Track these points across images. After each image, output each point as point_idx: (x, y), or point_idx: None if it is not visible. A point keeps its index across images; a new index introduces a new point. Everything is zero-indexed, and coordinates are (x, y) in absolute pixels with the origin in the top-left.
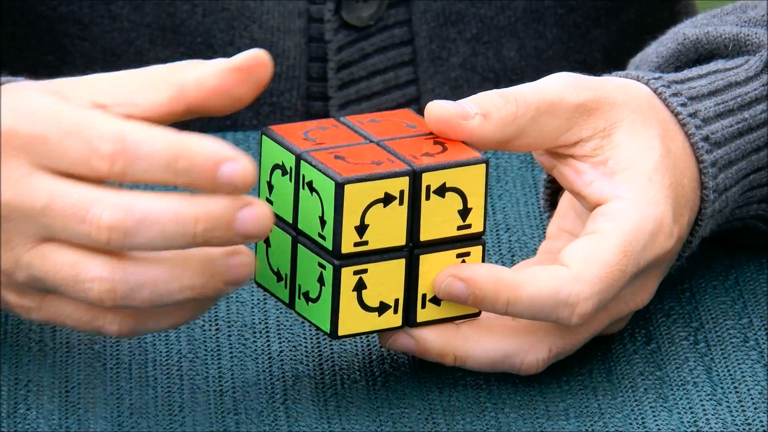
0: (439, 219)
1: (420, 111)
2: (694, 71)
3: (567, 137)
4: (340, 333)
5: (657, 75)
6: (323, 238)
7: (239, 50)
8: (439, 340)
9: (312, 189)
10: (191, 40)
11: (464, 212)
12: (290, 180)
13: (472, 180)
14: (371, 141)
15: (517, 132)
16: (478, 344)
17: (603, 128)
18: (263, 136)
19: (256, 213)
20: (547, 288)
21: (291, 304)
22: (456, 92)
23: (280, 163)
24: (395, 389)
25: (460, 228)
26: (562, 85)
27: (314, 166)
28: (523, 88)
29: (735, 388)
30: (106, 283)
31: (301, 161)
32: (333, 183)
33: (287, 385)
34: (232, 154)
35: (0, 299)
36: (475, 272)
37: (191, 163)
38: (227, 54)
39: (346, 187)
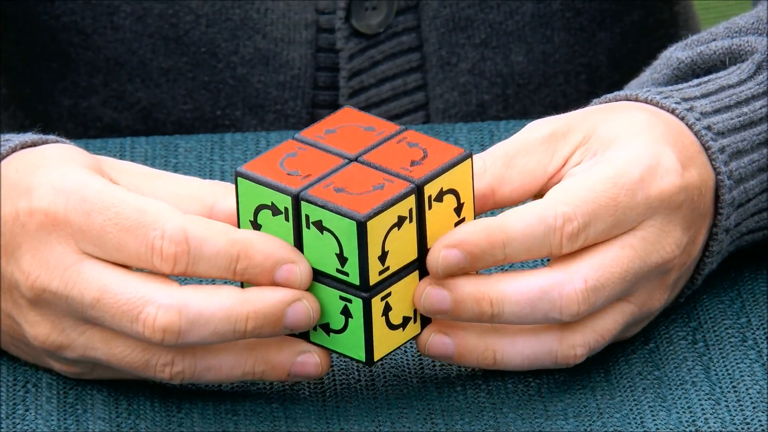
0: (439, 223)
1: (428, 117)
2: (685, 84)
3: (554, 164)
4: (376, 358)
5: (645, 90)
6: (345, 274)
7: (243, 60)
8: (472, 286)
9: (322, 228)
10: (195, 50)
11: (458, 209)
12: (287, 220)
13: (462, 177)
14: (350, 159)
15: (497, 180)
16: (512, 283)
17: (582, 137)
18: (239, 179)
19: (304, 309)
20: (533, 218)
21: (304, 336)
22: (464, 98)
23: (269, 204)
24: (394, 389)
25: (456, 224)
26: (528, 128)
27: (322, 206)
28: (493, 147)
29: (733, 387)
30: (176, 366)
31: (302, 201)
32: (354, 222)
33: (286, 386)
34: (291, 256)
35: (44, 363)
36: (463, 232)
37: (251, 264)
38: (230, 64)
39: (368, 223)
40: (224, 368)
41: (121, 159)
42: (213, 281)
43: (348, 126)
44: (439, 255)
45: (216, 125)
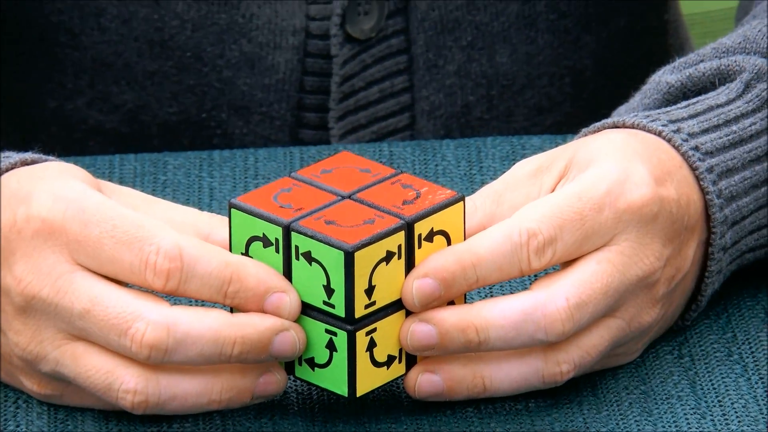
0: None
1: (413, 118)
2: (673, 106)
3: (541, 196)
4: (358, 394)
5: (632, 115)
6: (331, 306)
7: (228, 63)
8: (456, 317)
9: (310, 259)
10: (180, 54)
11: None
12: (277, 251)
13: (453, 219)
14: (343, 196)
15: (488, 217)
16: (495, 309)
17: (564, 165)
18: (232, 210)
19: (291, 339)
20: (499, 236)
21: (290, 370)
22: (449, 99)
23: (260, 235)
24: (383, 405)
25: None
26: (515, 166)
27: (311, 237)
28: (483, 187)
29: (719, 401)
30: (140, 395)
31: (292, 232)
32: (341, 252)
33: (275, 401)
34: (283, 285)
35: (16, 380)
36: (432, 260)
37: (242, 287)
38: (216, 67)
39: (356, 254)
40: (189, 397)
41: (110, 175)
42: (203, 304)
43: (344, 167)
44: (412, 286)
45: (202, 127)
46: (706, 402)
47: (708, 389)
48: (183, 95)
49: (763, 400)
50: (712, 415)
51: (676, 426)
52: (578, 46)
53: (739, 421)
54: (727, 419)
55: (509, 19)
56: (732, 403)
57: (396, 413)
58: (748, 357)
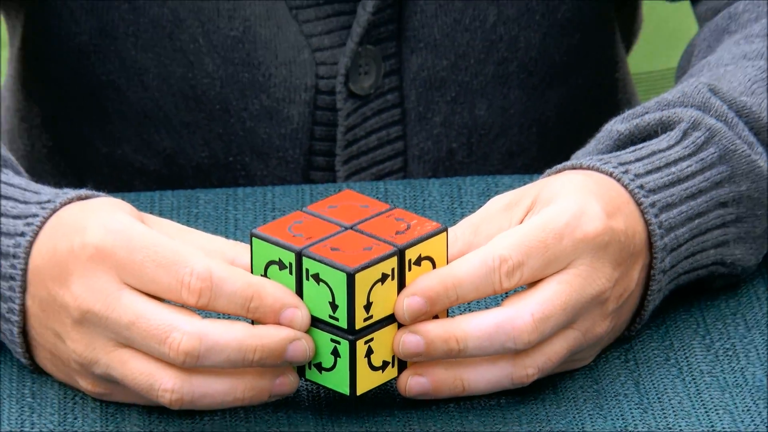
0: None
1: (406, 162)
2: (623, 151)
3: (511, 227)
4: (358, 393)
5: (588, 158)
6: (336, 319)
7: (251, 115)
8: (440, 329)
9: (318, 280)
10: (210, 106)
11: None
12: (290, 273)
13: (437, 246)
14: (346, 227)
15: (467, 245)
16: (472, 322)
17: (531, 201)
18: (254, 238)
19: (302, 347)
20: (476, 261)
21: (301, 373)
22: (436, 146)
23: (276, 260)
24: (380, 401)
25: None
26: (491, 201)
27: (319, 261)
28: (463, 220)
29: (659, 398)
30: (176, 394)
31: (303, 257)
32: (344, 274)
33: (289, 399)
34: (295, 302)
35: (73, 381)
36: (420, 282)
37: (262, 304)
38: (240, 118)
39: (357, 275)
40: (218, 395)
41: (151, 209)
42: (229, 317)
43: (347, 203)
44: (403, 303)
45: (228, 169)
46: (648, 399)
47: (650, 388)
48: (213, 142)
49: (695, 397)
50: (653, 410)
51: (622, 419)
52: (543, 101)
53: (675, 415)
54: (665, 413)
55: (486, 78)
56: (669, 400)
57: (390, 409)
58: (683, 361)
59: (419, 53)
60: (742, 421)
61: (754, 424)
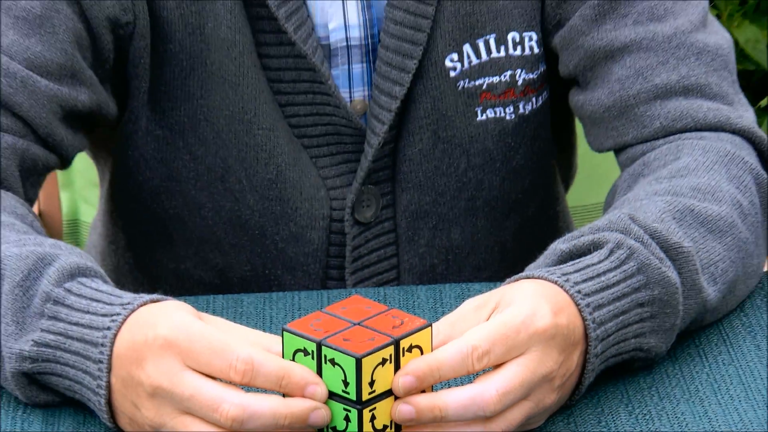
0: None
1: (399, 273)
2: (565, 264)
3: (480, 323)
4: None
5: (538, 270)
6: (347, 393)
7: (282, 239)
8: (426, 400)
9: (334, 363)
10: (251, 232)
11: None
12: (312, 358)
13: (424, 338)
14: (354, 324)
15: (446, 337)
16: (451, 396)
17: (495, 304)
18: (284, 332)
19: (321, 414)
20: (454, 350)
21: None
22: (421, 261)
23: (302, 348)
24: None
25: None
26: (464, 303)
27: (335, 349)
28: (443, 317)
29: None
30: None
31: (322, 346)
32: (354, 359)
33: None
34: (316, 379)
35: None
36: (412, 364)
37: (290, 381)
38: (274, 241)
39: (363, 360)
40: None
41: (206, 309)
42: (266, 391)
43: (355, 306)
44: (399, 381)
45: (265, 279)
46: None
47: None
48: (253, 259)
49: None
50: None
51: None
52: (503, 228)
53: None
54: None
55: (459, 211)
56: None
57: None
58: (611, 424)
59: (408, 192)
60: None
61: None
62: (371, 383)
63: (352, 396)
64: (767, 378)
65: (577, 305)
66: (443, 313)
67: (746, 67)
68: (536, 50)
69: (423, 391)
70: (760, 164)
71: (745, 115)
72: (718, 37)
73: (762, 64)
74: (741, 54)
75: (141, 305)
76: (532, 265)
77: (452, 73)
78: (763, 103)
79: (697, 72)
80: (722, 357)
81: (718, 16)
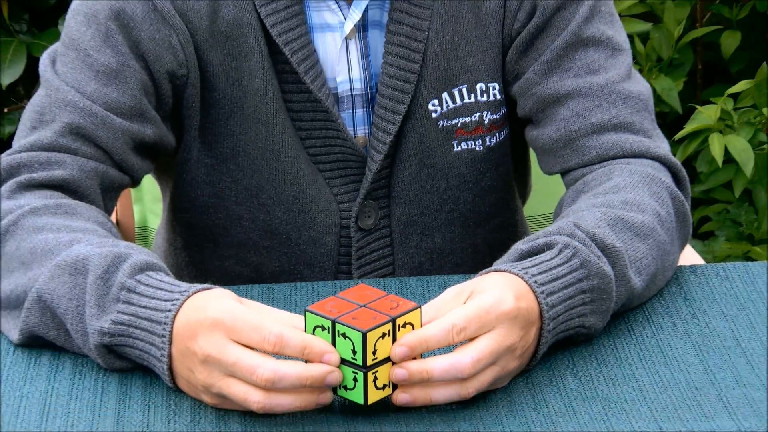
0: None
1: (394, 269)
2: (524, 261)
3: (460, 305)
4: (369, 403)
5: (503, 265)
6: (355, 360)
7: (304, 242)
8: (416, 365)
9: (345, 336)
10: (279, 238)
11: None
12: (328, 333)
13: (415, 317)
14: (361, 306)
15: (432, 318)
16: (436, 362)
17: (471, 291)
18: (306, 312)
19: (336, 376)
20: (439, 327)
21: (334, 391)
22: (411, 259)
23: (320, 325)
24: (381, 408)
25: None
26: (446, 290)
27: (345, 325)
28: (430, 302)
29: (546, 402)
30: (260, 404)
31: (336, 323)
32: (360, 333)
33: (326, 407)
34: (331, 349)
35: (199, 396)
36: (406, 338)
37: (311, 351)
38: (299, 244)
39: (368, 333)
40: (286, 405)
41: (245, 295)
42: (292, 358)
43: (361, 293)
44: (395, 350)
45: (290, 274)
46: (541, 403)
47: (539, 398)
48: (281, 258)
49: (568, 405)
50: (546, 409)
51: (522, 415)
52: (475, 235)
53: (556, 412)
54: (549, 411)
55: (440, 221)
56: (555, 403)
57: (386, 412)
58: (559, 381)
59: (400, 206)
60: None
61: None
62: (374, 352)
63: (359, 362)
64: (680, 347)
65: (534, 292)
66: (429, 299)
67: (662, 109)
68: (498, 97)
69: (414, 358)
70: (673, 183)
71: (662, 146)
72: (640, 86)
73: (674, 107)
74: (658, 99)
75: (195, 293)
76: (498, 261)
77: (434, 115)
78: (676, 137)
79: (624, 113)
80: (646, 332)
81: (640, 70)
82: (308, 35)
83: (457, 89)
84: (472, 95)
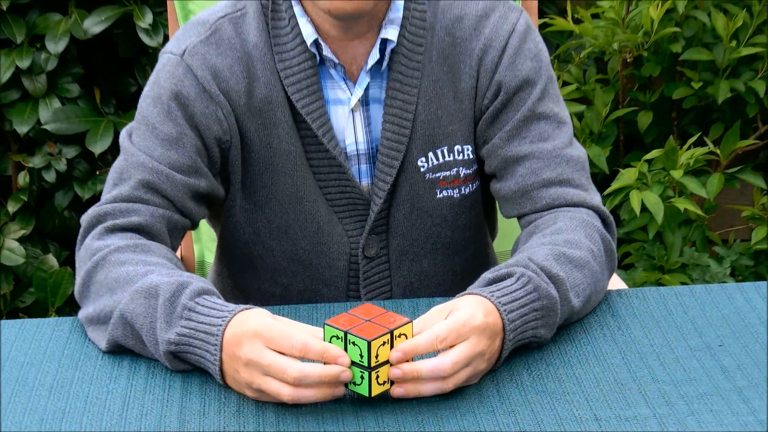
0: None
1: (391, 291)
2: (491, 286)
3: (442, 320)
4: (372, 395)
5: (475, 290)
6: (362, 362)
7: (322, 268)
8: (409, 367)
9: (354, 344)
10: (303, 265)
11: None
12: (341, 341)
13: (408, 329)
14: (367, 320)
15: (420, 330)
16: (424, 365)
17: (450, 309)
18: (325, 325)
19: (347, 375)
20: (426, 338)
21: (345, 386)
22: (404, 280)
23: (336, 335)
24: (382, 400)
25: None
26: (432, 309)
27: (354, 335)
28: (419, 317)
29: (509, 397)
30: (290, 396)
31: (347, 334)
32: (366, 341)
33: (340, 399)
34: (343, 354)
35: (242, 390)
36: (401, 345)
37: (329, 356)
38: (318, 268)
39: (372, 342)
40: (311, 397)
41: (278, 314)
42: (314, 361)
43: (367, 310)
44: (392, 355)
45: (313, 292)
46: (504, 399)
47: (504, 394)
48: (305, 280)
49: (525, 401)
50: (508, 402)
51: (489, 405)
52: (454, 262)
53: (513, 403)
54: (513, 408)
55: (426, 250)
56: (508, 396)
57: (385, 402)
58: (518, 378)
59: (396, 239)
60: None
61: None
62: (376, 356)
63: (365, 364)
64: (609, 352)
65: (499, 311)
66: (419, 315)
67: (594, 171)
68: (471, 156)
69: (407, 362)
70: (603, 227)
71: (595, 198)
72: (579, 151)
73: (603, 169)
74: (591, 163)
75: (239, 312)
76: (471, 287)
77: (422, 169)
78: (605, 192)
79: (567, 172)
80: (583, 341)
81: (578, 139)
82: (324, 107)
83: (440, 149)
84: (451, 154)
